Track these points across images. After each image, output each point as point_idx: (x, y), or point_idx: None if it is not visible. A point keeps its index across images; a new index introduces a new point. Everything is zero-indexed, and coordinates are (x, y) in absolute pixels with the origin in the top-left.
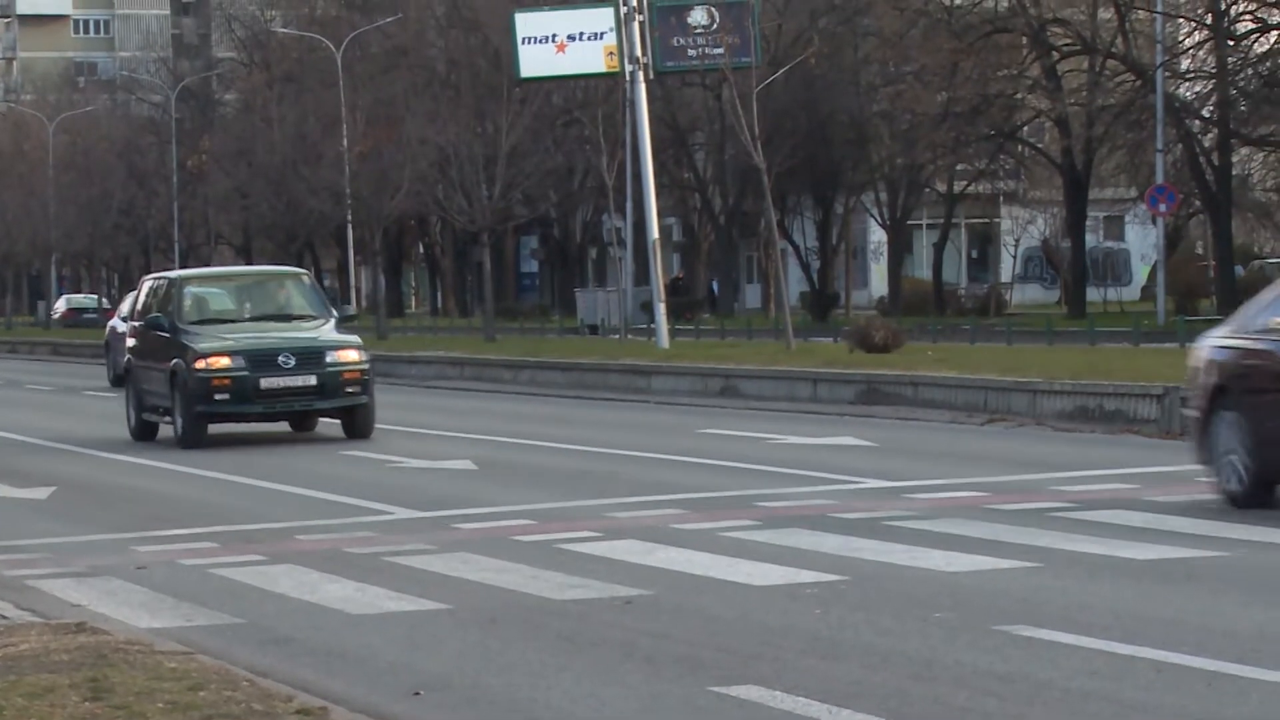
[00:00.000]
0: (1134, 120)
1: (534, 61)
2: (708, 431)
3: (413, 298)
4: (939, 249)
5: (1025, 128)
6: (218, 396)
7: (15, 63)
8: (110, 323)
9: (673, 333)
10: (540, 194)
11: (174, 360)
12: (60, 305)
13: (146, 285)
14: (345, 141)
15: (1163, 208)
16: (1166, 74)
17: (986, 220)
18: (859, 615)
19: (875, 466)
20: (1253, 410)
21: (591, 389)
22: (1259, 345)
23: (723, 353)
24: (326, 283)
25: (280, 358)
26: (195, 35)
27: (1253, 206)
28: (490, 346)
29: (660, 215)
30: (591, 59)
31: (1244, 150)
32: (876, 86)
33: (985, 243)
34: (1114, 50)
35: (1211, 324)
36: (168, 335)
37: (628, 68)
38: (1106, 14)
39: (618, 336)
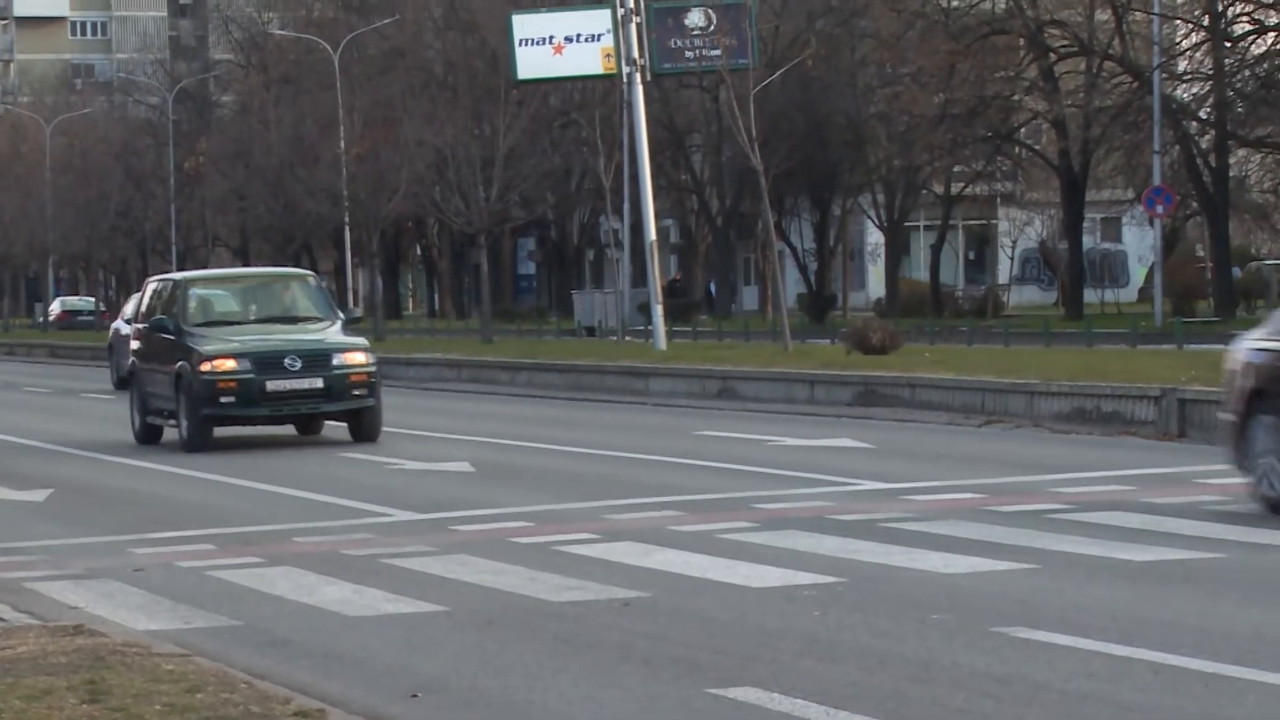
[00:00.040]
0: (1131, 122)
1: (531, 63)
2: (705, 433)
3: (410, 299)
4: (936, 250)
5: (1022, 129)
6: (223, 399)
7: (12, 65)
8: (113, 325)
9: (670, 334)
10: (538, 196)
11: (179, 363)
12: (55, 307)
13: (151, 287)
14: (342, 143)
15: (1160, 209)
16: (1164, 75)
17: (984, 222)
18: (856, 617)
19: (872, 468)
20: None
21: (589, 391)
22: None
23: (720, 354)
24: (324, 284)
25: (286, 360)
26: (192, 37)
27: (1250, 208)
28: (488, 348)
29: (657, 217)
30: (589, 61)
31: (1241, 152)
32: (874, 88)
33: (982, 244)
34: (1111, 52)
35: (1209, 326)
36: (172, 338)
37: (625, 69)
38: (1104, 15)
39: (615, 338)
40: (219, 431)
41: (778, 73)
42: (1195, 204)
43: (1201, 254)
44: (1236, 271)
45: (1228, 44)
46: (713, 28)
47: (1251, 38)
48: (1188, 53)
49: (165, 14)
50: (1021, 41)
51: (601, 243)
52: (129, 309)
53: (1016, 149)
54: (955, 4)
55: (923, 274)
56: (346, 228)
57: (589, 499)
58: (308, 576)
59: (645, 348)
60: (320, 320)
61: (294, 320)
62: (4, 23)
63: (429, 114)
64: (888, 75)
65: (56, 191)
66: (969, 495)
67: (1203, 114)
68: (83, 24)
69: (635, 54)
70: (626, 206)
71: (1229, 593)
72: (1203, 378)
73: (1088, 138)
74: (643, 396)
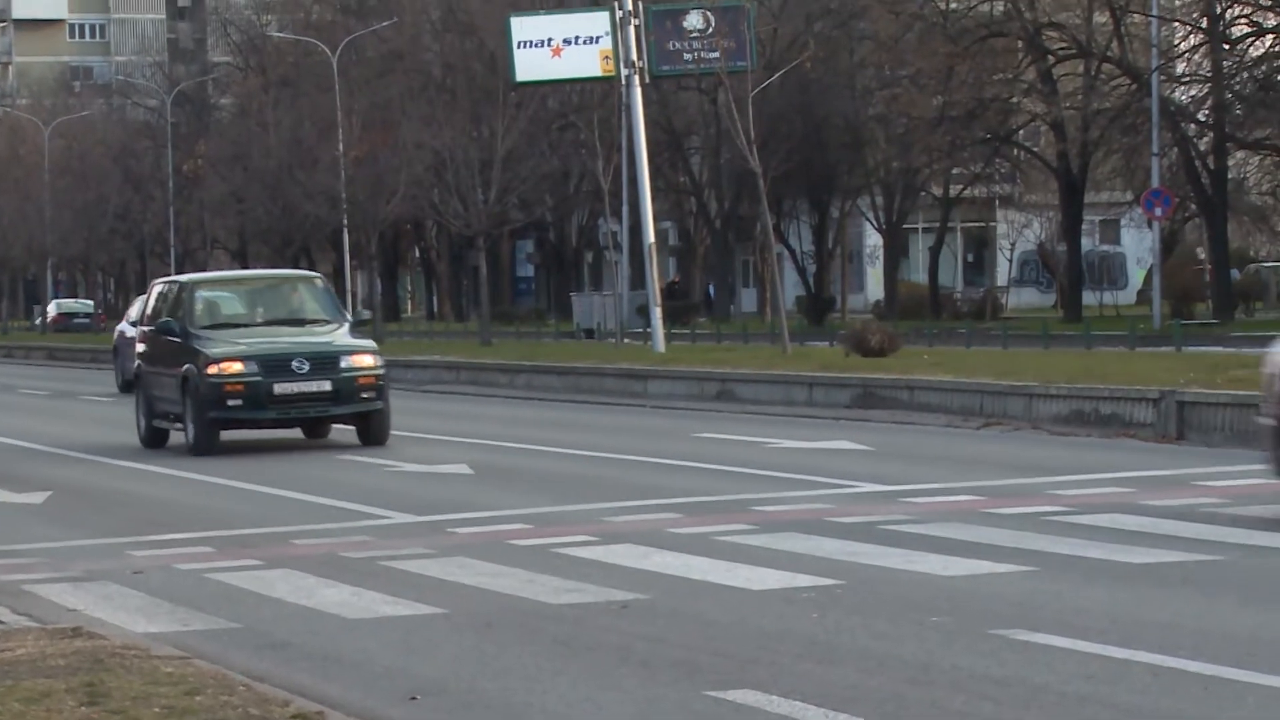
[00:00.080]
0: (1129, 124)
1: (530, 66)
2: (704, 435)
3: (409, 302)
4: (935, 253)
5: (1021, 131)
6: (230, 402)
7: (11, 67)
8: (118, 327)
9: (669, 337)
10: (536, 198)
11: (185, 366)
12: (50, 310)
13: (156, 289)
14: (341, 146)
15: (1158, 211)
16: (1162, 78)
17: (982, 224)
18: (855, 619)
19: (871, 470)
20: None
21: (587, 393)
22: None
23: (719, 357)
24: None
25: (294, 363)
26: (191, 40)
27: (1248, 210)
28: (486, 351)
29: (656, 219)
30: (587, 63)
31: (1239, 154)
32: (872, 90)
33: (981, 246)
34: (1109, 54)
35: (1207, 328)
36: (179, 340)
37: (623, 72)
38: (1102, 18)
39: (613, 340)
40: (225, 435)
41: (776, 75)
42: (1194, 206)
43: (1203, 257)
44: (1235, 273)
45: (1226, 46)
46: (711, 30)
47: (1250, 40)
48: (1186, 55)
49: (164, 16)
50: (1020, 44)
51: (600, 245)
52: (134, 311)
53: (1015, 151)
54: (954, 6)
55: (921, 276)
56: (345, 230)
57: (587, 501)
58: (306, 579)
59: (644, 350)
60: (328, 322)
61: (301, 322)
62: (2, 25)
63: (427, 116)
64: (886, 77)
65: (55, 194)
66: (968, 497)
67: (1201, 116)
68: (81, 26)
69: (634, 56)
70: (625, 209)
71: (1228, 595)
72: (1201, 380)
73: (1086, 140)
74: (641, 399)
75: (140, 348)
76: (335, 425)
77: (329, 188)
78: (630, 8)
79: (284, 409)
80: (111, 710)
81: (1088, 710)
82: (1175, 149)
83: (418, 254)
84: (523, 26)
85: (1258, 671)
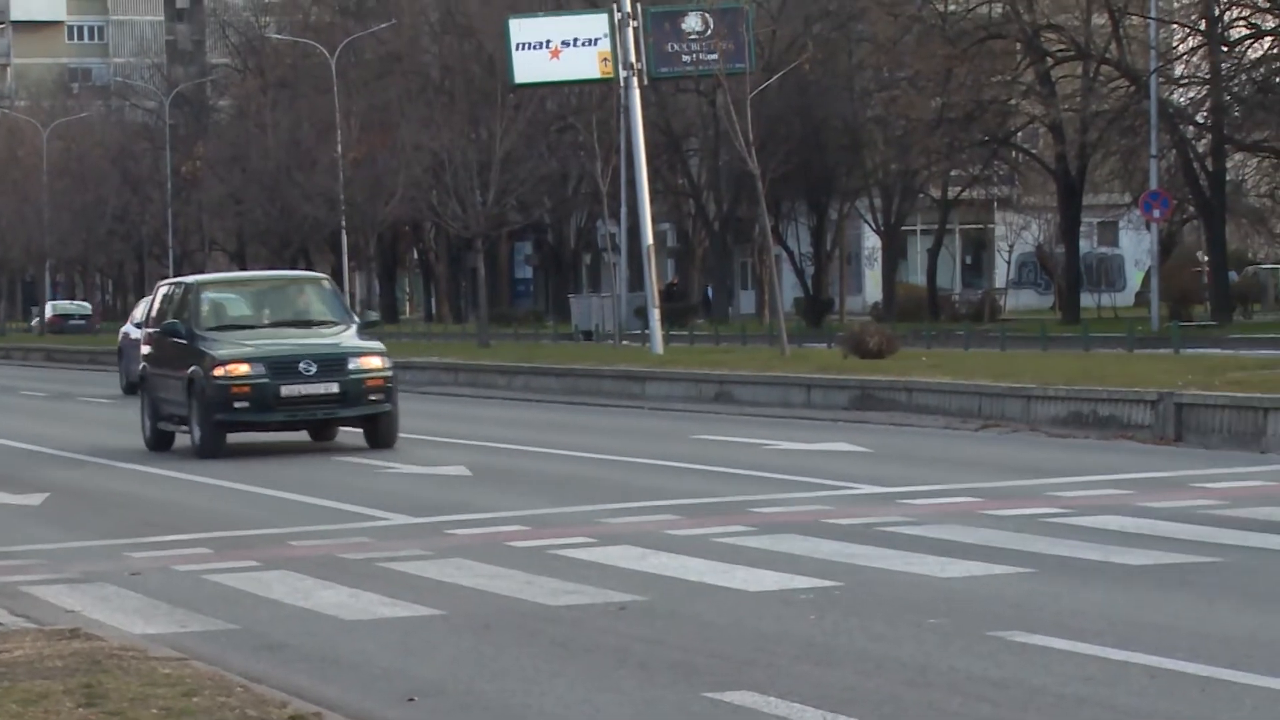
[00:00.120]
0: (1128, 126)
1: (528, 67)
2: (702, 437)
3: (407, 303)
4: (933, 255)
5: (1019, 133)
6: (237, 405)
7: (9, 69)
8: (123, 329)
9: (667, 338)
10: (534, 200)
11: (191, 368)
12: (46, 311)
13: (161, 291)
14: (339, 147)
15: (1157, 213)
16: (1160, 80)
17: (981, 226)
18: (853, 621)
19: (869, 472)
20: None
21: (586, 395)
22: None
23: (717, 358)
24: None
25: (301, 365)
26: (189, 41)
27: (1247, 212)
28: (484, 352)
29: (654, 221)
30: (586, 65)
31: (1238, 156)
32: (871, 92)
33: (979, 248)
34: (1108, 56)
35: (1205, 330)
36: (184, 342)
37: (622, 74)
38: (1100, 20)
39: (612, 342)
40: (231, 437)
41: (775, 77)
42: (1192, 208)
43: (1204, 259)
44: (1233, 275)
45: (1224, 48)
46: (710, 32)
47: (1248, 42)
48: (1184, 57)
49: (162, 18)
50: (1018, 46)
51: (598, 247)
52: (138, 313)
53: (1013, 153)
54: (952, 8)
55: (920, 278)
56: (343, 232)
57: (585, 503)
58: (304, 580)
59: (642, 352)
60: (335, 324)
61: (308, 324)
62: (1, 26)
63: (426, 118)
64: (884, 79)
65: (53, 195)
66: (965, 499)
67: (1199, 118)
68: (80, 28)
69: (632, 58)
70: (624, 211)
71: (1226, 597)
72: (1199, 382)
73: (1084, 142)
74: (639, 400)
75: (145, 350)
76: (342, 428)
77: (327, 189)
78: (629, 10)
79: (291, 411)
80: (109, 711)
81: (1085, 712)
82: (1173, 151)
83: (416, 255)
84: (521, 28)
85: (1255, 673)
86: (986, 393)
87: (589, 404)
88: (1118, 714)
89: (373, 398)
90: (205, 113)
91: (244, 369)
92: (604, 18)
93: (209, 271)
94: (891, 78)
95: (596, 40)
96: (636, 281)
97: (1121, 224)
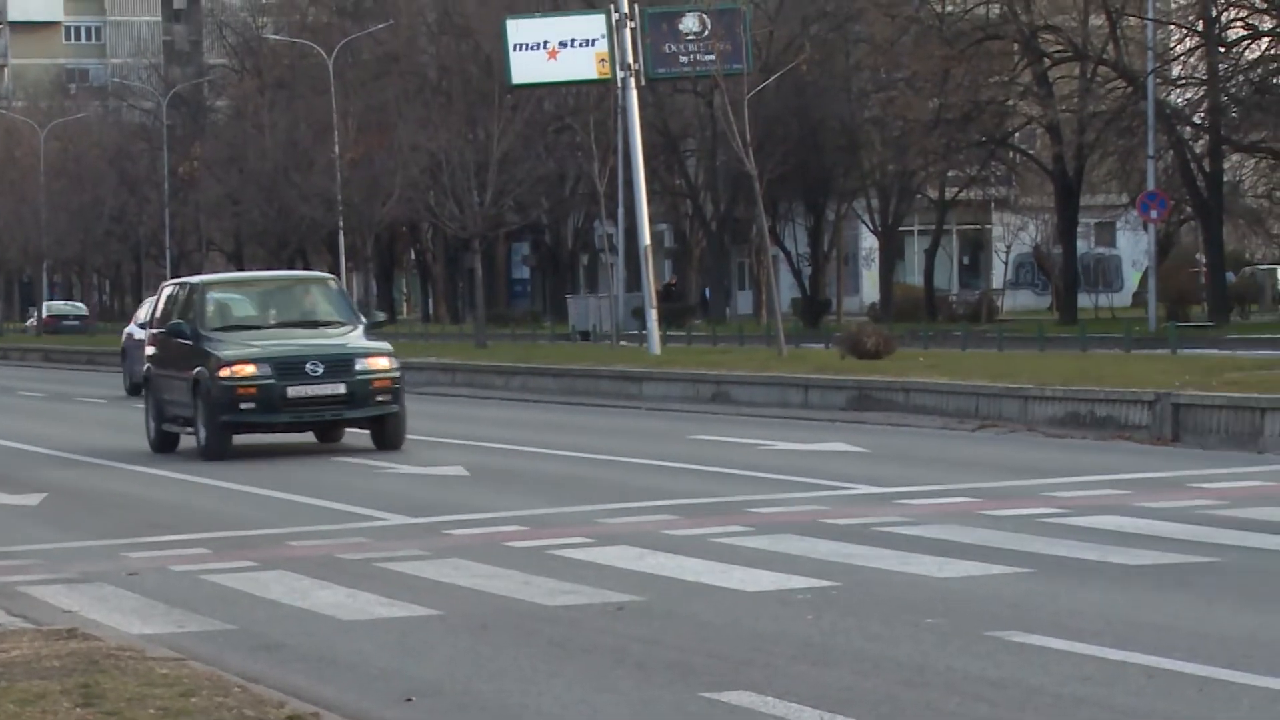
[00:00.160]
0: (1125, 127)
1: (526, 68)
2: (699, 437)
3: (404, 304)
4: (930, 255)
5: (1017, 134)
6: (243, 406)
7: (7, 69)
8: (126, 329)
9: (664, 339)
10: (532, 200)
11: (196, 369)
12: (41, 312)
13: (166, 291)
14: (337, 148)
15: (1154, 214)
16: (1158, 80)
17: (978, 226)
18: (850, 621)
19: (867, 472)
20: None
21: (583, 395)
22: None
23: (714, 359)
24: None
25: (308, 365)
26: (187, 42)
27: (1244, 213)
28: (482, 353)
29: (652, 221)
30: (583, 65)
31: (1235, 157)
32: (868, 93)
33: (977, 249)
34: (1105, 57)
35: (1203, 330)
36: (190, 343)
37: (619, 74)
38: (1098, 21)
39: (609, 342)
40: (236, 439)
41: (772, 78)
42: (1189, 209)
43: (1201, 260)
44: (1230, 276)
45: (1222, 49)
46: (707, 33)
47: (1245, 43)
48: (1182, 58)
49: (159, 19)
50: (1016, 47)
51: (596, 247)
52: (142, 313)
53: (1011, 154)
54: (949, 9)
55: (917, 279)
56: (341, 232)
57: (583, 503)
58: (302, 580)
59: (639, 352)
60: (342, 324)
61: (315, 324)
62: None
63: (423, 119)
64: (882, 80)
65: (51, 196)
66: (963, 499)
67: (1197, 119)
68: (77, 28)
69: (630, 59)
70: (621, 211)
71: (1223, 597)
72: (1197, 382)
73: (1082, 143)
74: (637, 401)
75: (149, 350)
76: (349, 429)
77: (324, 190)
78: (626, 10)
79: (297, 412)
80: (106, 712)
81: (1083, 712)
82: (1171, 152)
83: (413, 256)
84: (518, 29)
85: (1253, 673)
86: (984, 393)
87: (586, 404)
88: (1115, 714)
89: (380, 399)
90: (202, 113)
91: (250, 370)
92: (601, 18)
93: (206, 272)
94: (889, 78)
95: (594, 41)
96: (634, 282)
97: (1119, 224)
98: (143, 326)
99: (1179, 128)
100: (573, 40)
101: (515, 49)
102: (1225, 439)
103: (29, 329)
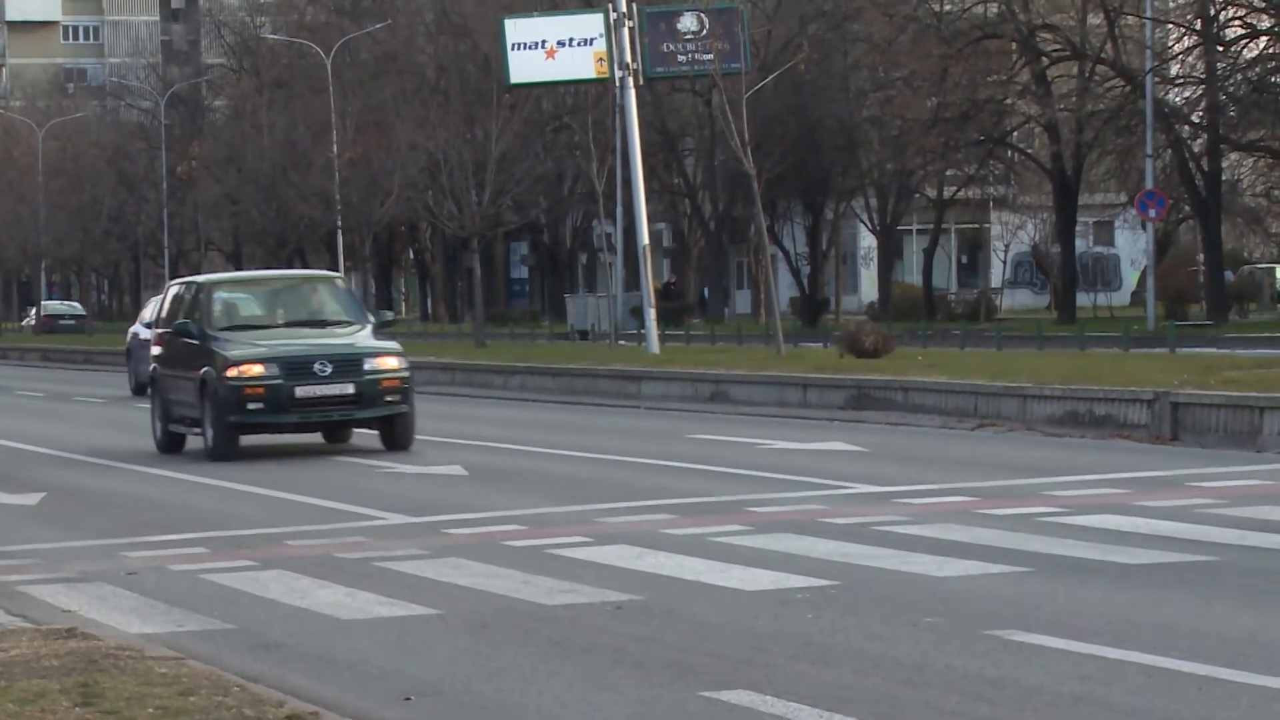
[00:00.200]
0: (1123, 126)
1: (524, 67)
2: (698, 437)
3: (403, 303)
4: (929, 254)
5: (1015, 133)
6: (250, 406)
7: (4, 69)
8: (131, 329)
9: (663, 338)
10: (530, 200)
11: (203, 369)
12: (39, 311)
13: (172, 291)
14: (335, 147)
15: (1152, 213)
16: (1156, 79)
17: (976, 225)
18: (850, 620)
19: (865, 471)
20: None
21: (582, 394)
22: None
23: (713, 358)
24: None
25: (316, 365)
26: (185, 41)
27: (1242, 212)
28: (480, 352)
29: (650, 221)
30: (581, 65)
31: (1233, 155)
32: (866, 92)
33: (975, 248)
34: (1103, 56)
35: (1201, 329)
36: (196, 342)
37: (617, 73)
38: (1096, 20)
39: (608, 342)
40: (243, 439)
41: (770, 77)
42: (1188, 208)
43: (1201, 259)
44: (1229, 275)
45: (1220, 48)
46: (705, 32)
47: (1244, 41)
48: (1180, 57)
49: (157, 18)
50: (1014, 46)
51: (594, 247)
52: (147, 313)
53: (1009, 153)
54: (947, 8)
55: (915, 278)
56: (339, 232)
57: (582, 502)
58: (300, 580)
59: (638, 351)
60: (350, 324)
61: (322, 324)
62: None
63: (421, 118)
64: (880, 79)
65: (49, 196)
66: (962, 498)
67: (1195, 118)
68: (75, 28)
69: (628, 58)
70: (619, 210)
71: (1222, 596)
72: (1195, 381)
73: (1080, 142)
74: (635, 400)
75: (155, 350)
76: (357, 430)
77: (323, 189)
78: (624, 10)
79: (306, 413)
80: (106, 711)
81: (1082, 711)
82: (1169, 151)
83: (412, 255)
84: (517, 28)
85: (1252, 672)
86: (982, 392)
87: (585, 404)
88: (1114, 713)
89: (389, 399)
90: (200, 113)
91: (258, 370)
92: (599, 18)
93: (205, 271)
94: (887, 77)
95: (592, 40)
96: (632, 281)
97: (1117, 223)
98: (148, 326)
99: (1177, 126)
100: (571, 40)
101: (513, 48)
102: (1224, 438)
103: (24, 328)
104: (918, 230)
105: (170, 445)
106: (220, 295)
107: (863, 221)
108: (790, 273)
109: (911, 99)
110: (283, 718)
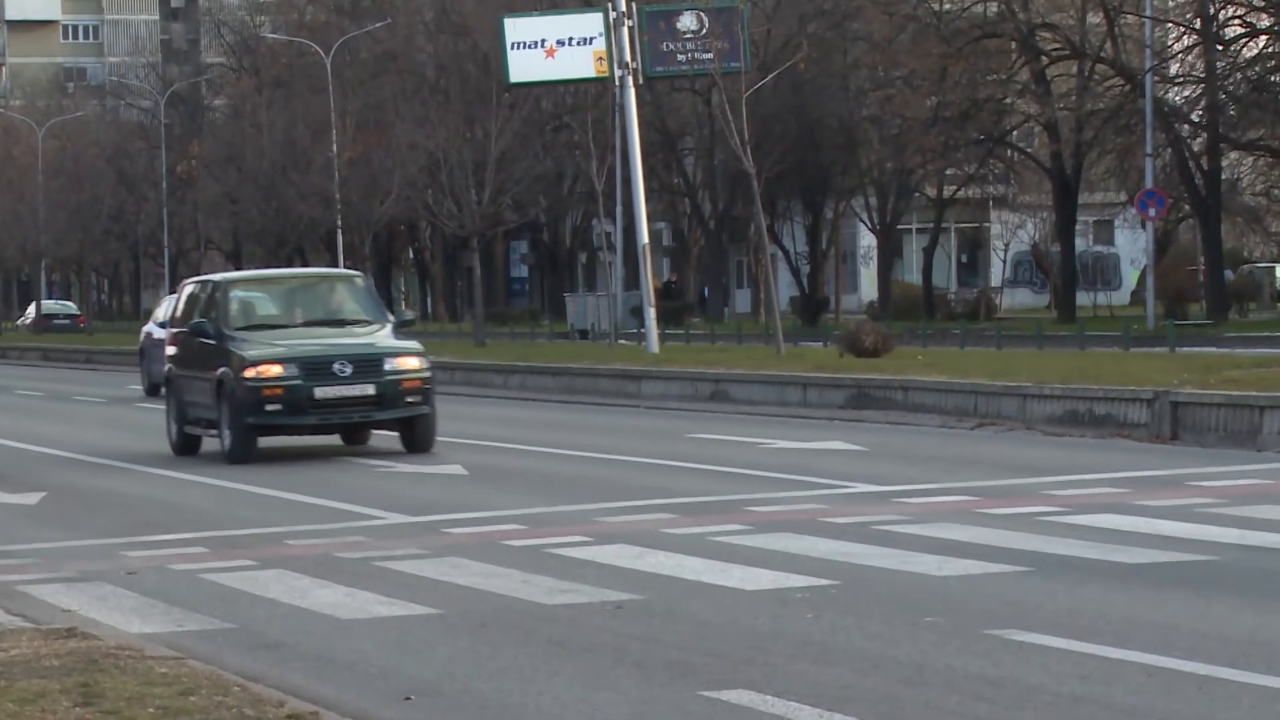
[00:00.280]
0: (1123, 125)
1: (523, 67)
2: (697, 436)
3: (403, 303)
4: (929, 253)
5: (1014, 132)
6: (269, 407)
7: (4, 68)
8: (145, 329)
9: (662, 337)
10: (530, 199)
11: (220, 369)
12: (30, 311)
13: (187, 290)
14: (335, 147)
15: (1152, 212)
16: (1155, 79)
17: (976, 225)
18: (849, 620)
19: (865, 471)
20: None
21: (581, 394)
22: None
23: (713, 357)
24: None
25: (335, 366)
26: (184, 41)
27: (1242, 211)
28: (480, 351)
29: (650, 220)
30: (581, 64)
31: (1233, 155)
32: (866, 91)
33: (975, 247)
34: (1103, 55)
35: (1201, 329)
36: (213, 343)
37: (617, 73)
38: (1095, 19)
39: (608, 341)
40: (261, 441)
41: (770, 76)
42: (1187, 207)
43: (1201, 258)
44: (1229, 274)
45: (1219, 47)
46: (705, 31)
47: (1243, 41)
48: (1180, 56)
49: (157, 17)
50: (1013, 45)
51: (594, 246)
52: (160, 312)
53: (1009, 152)
54: (947, 7)
55: (915, 277)
56: (339, 231)
57: (581, 502)
58: (300, 579)
59: (638, 351)
60: (369, 323)
61: (341, 323)
62: None
63: (421, 117)
64: (880, 78)
65: (48, 195)
66: (962, 498)
67: (1195, 117)
68: (74, 27)
69: (627, 57)
70: (619, 209)
71: (1222, 595)
72: (1195, 380)
73: (1080, 141)
74: (635, 399)
75: (170, 350)
76: (376, 431)
77: (323, 189)
78: (624, 9)
79: (325, 414)
80: (106, 711)
81: (1082, 710)
82: (1169, 150)
83: (412, 255)
84: (516, 27)
85: (1253, 671)
86: (982, 391)
87: (585, 403)
88: (1114, 712)
89: (410, 399)
90: (200, 112)
91: (276, 370)
92: (599, 17)
93: (205, 271)
94: (886, 76)
95: (591, 39)
96: (632, 280)
97: (1117, 223)
98: (162, 325)
99: (1177, 125)
100: (570, 39)
101: (513, 47)
102: (1224, 437)
103: (19, 327)
104: (917, 229)
105: (185, 447)
106: (237, 294)
107: (862, 221)
108: (790, 272)
109: (911, 98)
110: (283, 717)
